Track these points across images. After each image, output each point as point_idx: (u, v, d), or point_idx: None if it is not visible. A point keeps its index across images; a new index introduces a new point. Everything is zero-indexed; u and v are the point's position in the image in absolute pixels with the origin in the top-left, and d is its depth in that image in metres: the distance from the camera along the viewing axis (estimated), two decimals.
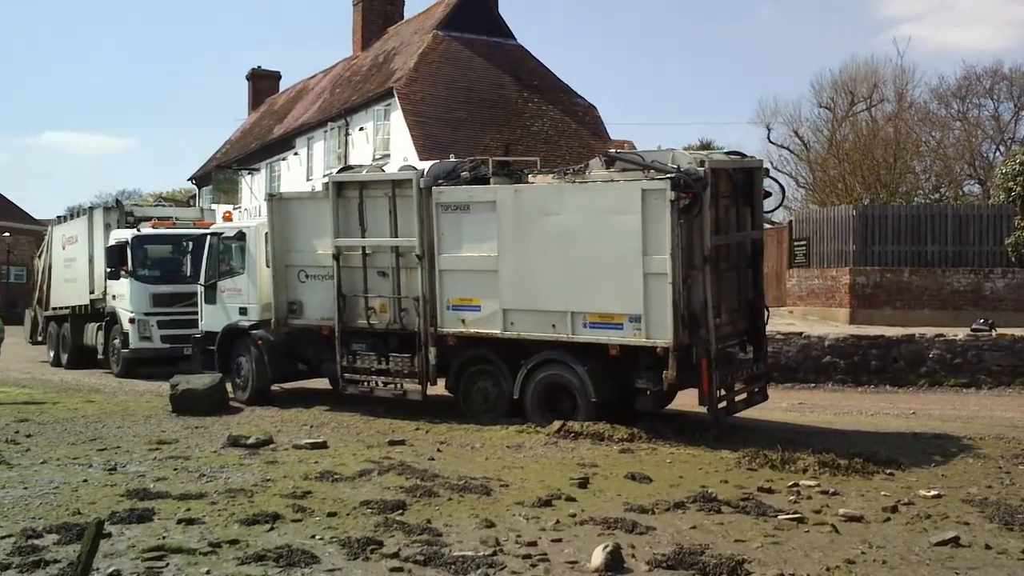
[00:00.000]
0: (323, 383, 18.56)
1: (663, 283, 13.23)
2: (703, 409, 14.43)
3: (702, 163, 13.47)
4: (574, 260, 14.10)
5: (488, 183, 15.30)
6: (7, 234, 65.96)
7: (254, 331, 17.97)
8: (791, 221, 29.10)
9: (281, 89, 54.62)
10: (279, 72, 56.20)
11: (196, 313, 20.05)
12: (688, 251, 13.37)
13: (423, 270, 15.52)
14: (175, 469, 11.65)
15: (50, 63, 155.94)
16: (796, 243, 27.25)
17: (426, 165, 16.47)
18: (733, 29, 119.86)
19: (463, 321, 15.27)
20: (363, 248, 16.22)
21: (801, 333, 21.97)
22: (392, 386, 16.36)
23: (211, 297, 19.15)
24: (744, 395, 14.80)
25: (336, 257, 16.36)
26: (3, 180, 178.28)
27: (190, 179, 55.28)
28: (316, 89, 46.33)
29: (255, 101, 55.23)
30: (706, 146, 43.37)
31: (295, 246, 17.18)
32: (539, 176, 15.31)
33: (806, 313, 25.70)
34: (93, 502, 9.90)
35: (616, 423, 13.72)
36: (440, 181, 15.56)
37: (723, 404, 14.15)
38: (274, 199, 17.75)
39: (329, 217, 16.36)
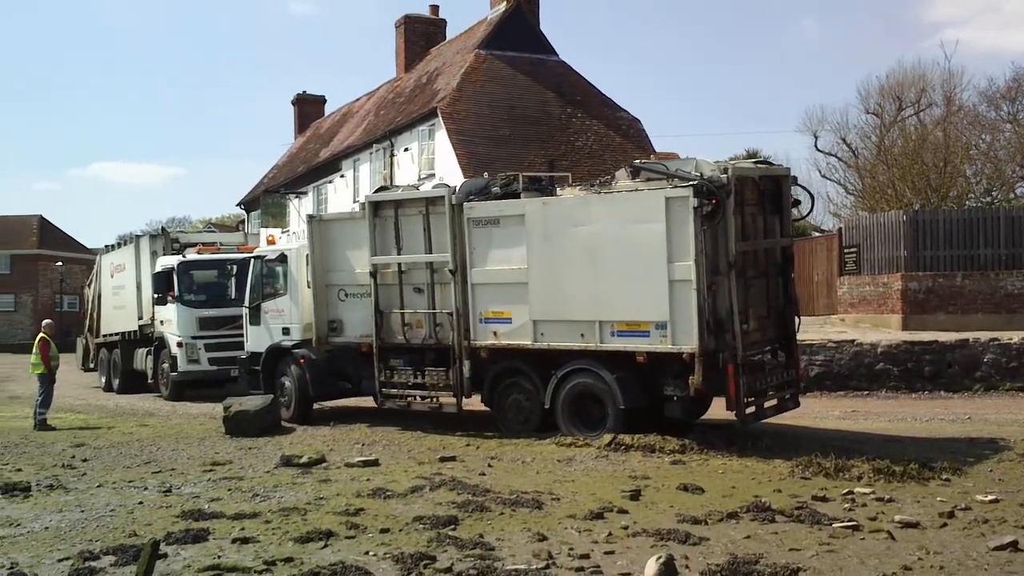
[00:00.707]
0: (372, 402, 18.65)
1: (688, 289, 13.28)
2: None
3: (725, 170, 13.54)
4: (601, 269, 14.22)
5: (519, 198, 15.47)
6: (60, 264, 67.23)
7: (296, 350, 18.32)
8: (841, 228, 28.81)
9: (326, 113, 55.11)
10: (324, 96, 56.78)
11: (242, 335, 20.38)
12: (713, 258, 13.41)
13: (456, 284, 15.73)
14: (229, 489, 11.77)
15: (96, 95, 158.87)
16: (846, 250, 26.95)
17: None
18: (778, 38, 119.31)
19: (495, 334, 15.45)
20: (399, 265, 16.50)
21: (853, 340, 21.71)
22: (429, 400, 16.65)
23: (256, 318, 19.52)
24: (774, 401, 14.80)
25: (373, 275, 16.64)
26: (55, 211, 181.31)
27: (239, 204, 55.86)
28: (361, 112, 46.68)
29: (301, 125, 55.77)
30: (752, 155, 43.04)
31: (335, 266, 17.54)
32: (567, 189, 15.53)
33: (858, 320, 25.41)
34: (149, 523, 10.02)
35: (667, 435, 13.72)
36: (472, 197, 15.81)
37: (752, 410, 14.12)
38: (313, 220, 18.14)
39: (366, 236, 16.64)
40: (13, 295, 70.62)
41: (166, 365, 24.88)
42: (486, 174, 17.74)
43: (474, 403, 16.35)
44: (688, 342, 13.37)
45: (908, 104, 44.02)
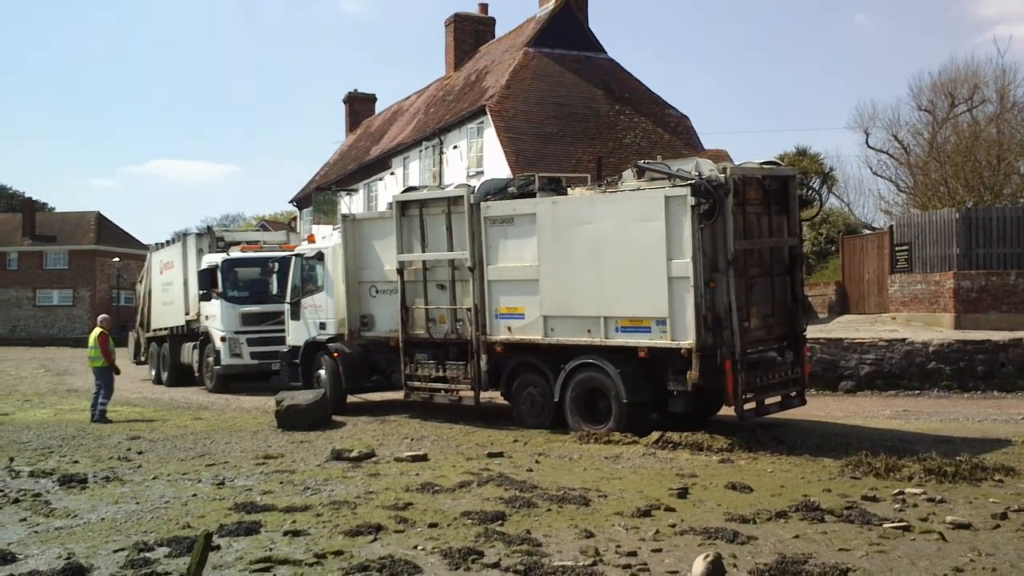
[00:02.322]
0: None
1: (686, 286, 13.60)
2: (805, 417, 14.26)
3: (724, 170, 13.76)
4: (605, 266, 14.64)
5: (535, 198, 15.80)
6: (117, 259, 68.23)
7: (330, 344, 18.94)
8: (892, 226, 28.48)
9: (377, 111, 55.36)
10: (375, 94, 57.07)
11: (283, 331, 21.06)
12: (712, 255, 13.69)
13: (474, 281, 16.23)
14: (281, 483, 11.92)
15: (153, 94, 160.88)
16: (898, 248, 26.66)
17: None
18: (830, 33, 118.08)
19: (509, 329, 15.99)
20: (423, 262, 17.03)
21: (904, 339, 21.49)
22: (450, 393, 17.04)
23: (296, 314, 20.29)
24: (778, 398, 14.94)
25: (400, 271, 17.19)
26: (113, 207, 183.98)
27: (291, 201, 56.34)
28: (411, 110, 46.84)
29: (352, 123, 56.09)
30: (801, 153, 42.78)
31: (367, 263, 18.24)
32: (577, 189, 15.98)
33: (909, 319, 25.14)
34: (202, 515, 10.18)
35: (715, 433, 13.73)
36: (489, 197, 16.31)
37: (752, 406, 14.28)
38: (347, 220, 18.85)
39: (395, 235, 17.16)
40: (71, 290, 71.89)
41: (211, 359, 25.51)
42: (512, 174, 18.13)
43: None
44: (686, 338, 13.69)
45: (961, 101, 43.23)
